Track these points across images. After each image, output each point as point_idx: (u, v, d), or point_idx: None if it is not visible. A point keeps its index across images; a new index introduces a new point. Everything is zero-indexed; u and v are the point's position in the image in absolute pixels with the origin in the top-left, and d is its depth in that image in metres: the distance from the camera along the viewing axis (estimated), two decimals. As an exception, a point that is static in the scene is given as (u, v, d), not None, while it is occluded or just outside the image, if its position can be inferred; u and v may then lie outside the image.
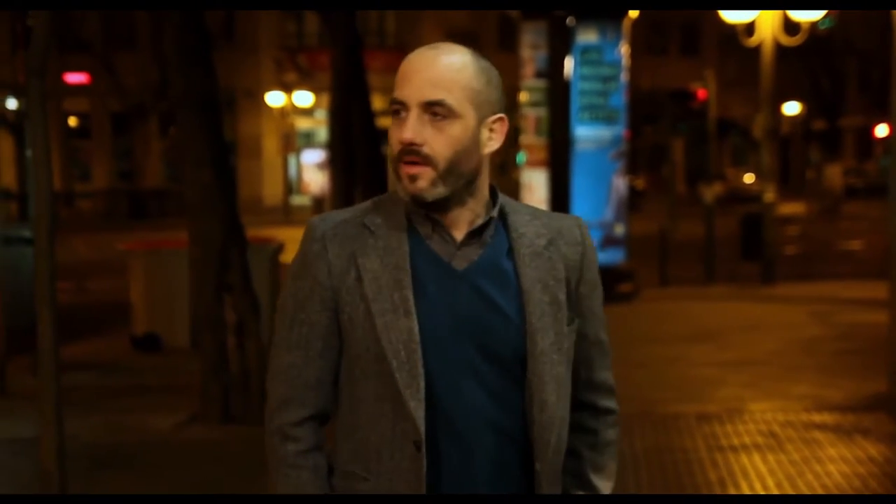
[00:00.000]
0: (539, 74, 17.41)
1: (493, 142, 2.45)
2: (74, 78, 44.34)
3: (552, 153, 16.98)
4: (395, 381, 2.37)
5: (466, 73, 2.39)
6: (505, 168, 42.24)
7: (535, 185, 17.74)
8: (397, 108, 2.40)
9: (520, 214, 2.50)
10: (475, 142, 2.41)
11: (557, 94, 16.70)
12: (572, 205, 16.67)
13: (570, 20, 16.44)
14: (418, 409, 2.36)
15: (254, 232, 10.63)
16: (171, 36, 9.27)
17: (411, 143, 2.36)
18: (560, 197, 16.78)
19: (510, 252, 2.45)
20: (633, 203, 27.76)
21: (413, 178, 2.38)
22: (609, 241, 16.89)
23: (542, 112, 17.45)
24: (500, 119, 2.45)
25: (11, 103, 24.51)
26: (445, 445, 2.40)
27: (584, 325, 2.53)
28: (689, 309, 15.46)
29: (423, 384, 2.37)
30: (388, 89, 2.49)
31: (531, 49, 17.58)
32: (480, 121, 2.42)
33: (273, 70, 45.99)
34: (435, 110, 2.37)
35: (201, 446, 8.51)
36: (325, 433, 2.54)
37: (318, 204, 42.23)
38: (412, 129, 2.37)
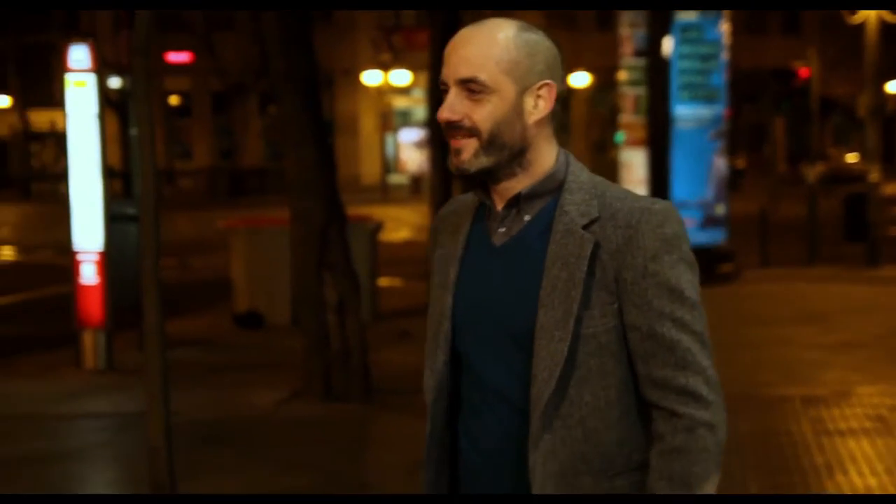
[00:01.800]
0: (638, 53, 17.24)
1: (539, 109, 2.44)
2: (175, 57, 44.85)
3: (651, 132, 16.82)
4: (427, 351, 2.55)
5: (500, 47, 2.41)
6: (603, 147, 42.01)
7: (634, 165, 17.59)
8: (443, 88, 2.45)
9: (577, 193, 2.44)
10: (517, 112, 2.42)
11: (657, 72, 16.53)
12: (671, 185, 16.51)
13: (670, -3, 16.24)
14: (430, 379, 2.53)
15: (352, 210, 10.67)
16: (272, 16, 9.32)
17: (448, 121, 2.43)
18: (659, 177, 16.63)
19: (548, 229, 2.44)
20: (733, 183, 27.42)
21: (458, 152, 2.43)
22: (709, 222, 16.69)
23: (641, 91, 17.29)
24: (547, 85, 2.44)
25: (115, 82, 24.84)
26: (468, 409, 2.52)
27: (634, 314, 2.39)
28: (791, 290, 15.24)
29: (442, 357, 2.51)
30: (486, 67, 2.55)
31: (630, 27, 17.41)
32: (522, 91, 2.42)
33: (370, 49, 46.11)
34: (470, 87, 2.41)
35: (303, 423, 8.57)
36: None
37: (416, 182, 42.33)
38: (448, 107, 2.43)
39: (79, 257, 10.63)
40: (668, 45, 16.33)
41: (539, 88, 2.43)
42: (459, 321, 2.51)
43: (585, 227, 2.40)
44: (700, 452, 2.39)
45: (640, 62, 17.02)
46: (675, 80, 16.55)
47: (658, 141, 16.60)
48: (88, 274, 10.60)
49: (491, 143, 2.41)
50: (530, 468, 2.40)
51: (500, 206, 2.49)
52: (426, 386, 2.56)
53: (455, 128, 2.43)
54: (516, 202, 2.46)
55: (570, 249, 2.39)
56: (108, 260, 10.62)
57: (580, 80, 44.70)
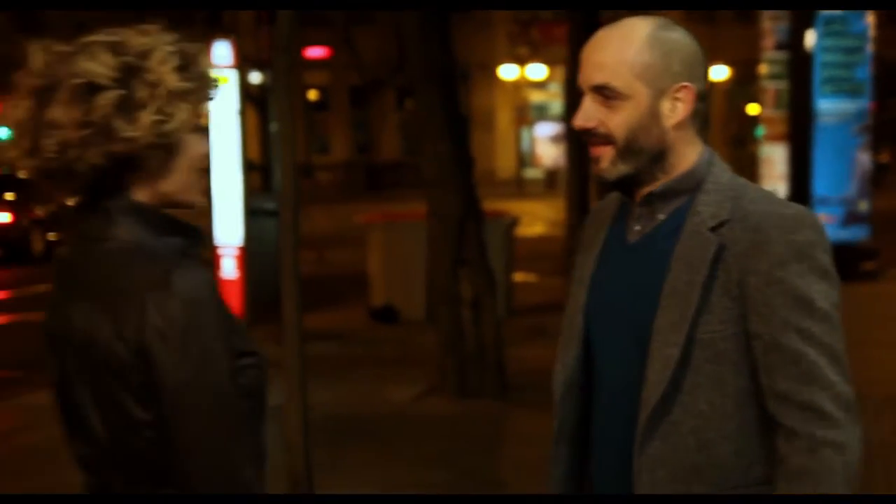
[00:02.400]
0: (780, 46, 16.94)
1: (677, 112, 2.38)
2: (314, 52, 45.36)
3: (793, 127, 16.52)
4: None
5: (634, 51, 2.35)
6: (742, 142, 41.39)
7: (774, 160, 17.29)
8: (581, 93, 2.42)
9: (712, 194, 2.37)
10: (653, 117, 2.37)
11: (799, 66, 16.23)
12: (813, 180, 16.21)
13: (813, -10, 15.93)
14: (559, 374, 2.53)
15: (488, 205, 10.66)
16: (411, 11, 9.34)
17: (583, 129, 2.39)
18: (800, 172, 16.33)
19: (679, 228, 2.38)
20: (877, 179, 26.83)
21: (597, 160, 2.41)
22: (852, 218, 16.34)
23: (782, 85, 16.99)
24: (684, 87, 2.37)
25: (255, 77, 25.21)
26: (597, 408, 2.50)
27: (757, 323, 2.29)
28: (937, 290, 14.84)
29: (573, 353, 2.51)
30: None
31: (772, 20, 17.11)
32: (658, 95, 2.37)
33: (507, 43, 46.07)
34: (604, 93, 2.37)
35: (438, 419, 8.58)
36: None
37: (551, 177, 42.19)
38: (582, 114, 2.40)
39: (219, 251, 10.79)
40: (810, 38, 16.02)
41: (676, 91, 2.37)
42: (592, 317, 2.49)
43: (713, 229, 2.33)
44: (826, 474, 2.26)
45: (782, 55, 16.72)
46: (818, 74, 16.22)
47: (799, 136, 16.30)
48: (229, 268, 10.77)
49: (627, 149, 2.37)
50: (635, 473, 2.35)
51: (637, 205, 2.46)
52: (555, 381, 2.55)
53: (591, 135, 2.39)
54: (650, 200, 2.43)
55: (695, 251, 2.33)
56: (248, 254, 10.76)
57: (719, 73, 44.13)
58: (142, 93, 2.15)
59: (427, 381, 9.49)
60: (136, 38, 2.20)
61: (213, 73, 2.27)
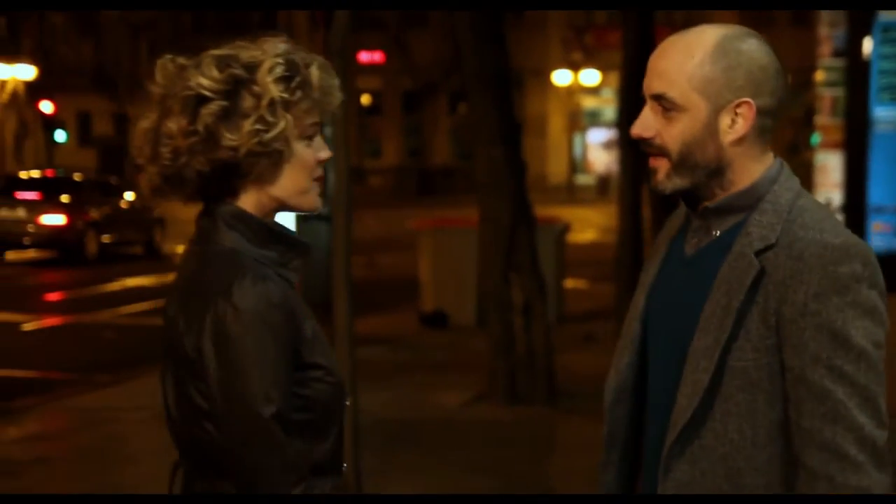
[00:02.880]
0: (836, 53, 16.78)
1: (736, 128, 2.29)
2: (367, 56, 45.49)
3: (848, 135, 16.31)
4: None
5: (695, 62, 2.28)
6: (797, 149, 41.11)
7: (829, 168, 17.13)
8: (637, 100, 2.42)
9: (767, 214, 2.28)
10: (710, 132, 2.29)
11: (856, 73, 16.06)
12: (868, 189, 16.05)
13: (871, -4, 15.79)
14: (612, 380, 2.48)
15: (539, 211, 10.64)
16: (466, 15, 9.34)
17: (640, 137, 2.34)
18: (856, 181, 16.13)
19: (729, 248, 2.31)
20: (934, 187, 26.54)
21: (654, 171, 2.35)
22: (908, 228, 16.17)
23: (838, 92, 16.83)
24: (746, 103, 2.28)
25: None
26: (648, 416, 2.45)
27: (790, 355, 2.21)
28: None
29: (627, 359, 2.46)
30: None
31: (829, 27, 16.95)
32: (717, 109, 2.28)
33: (560, 49, 46.02)
34: (662, 103, 2.31)
35: (487, 425, 8.57)
36: None
37: (603, 183, 42.09)
38: (640, 123, 2.34)
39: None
40: (868, 45, 15.89)
41: (737, 107, 2.29)
42: (647, 325, 2.45)
43: (759, 253, 2.25)
44: None
45: (839, 62, 16.58)
46: (875, 82, 16.06)
47: (856, 144, 16.09)
48: (280, 271, 10.79)
49: (682, 163, 2.31)
50: (659, 493, 2.31)
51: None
52: (607, 386, 2.50)
53: (648, 144, 2.34)
54: (706, 215, 2.36)
55: (736, 274, 2.26)
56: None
57: (774, 80, 43.80)
58: (247, 103, 2.27)
59: (477, 387, 9.47)
60: (248, 50, 2.32)
61: (331, 83, 2.35)
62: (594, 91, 46.89)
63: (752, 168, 2.33)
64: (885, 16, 15.95)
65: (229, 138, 2.26)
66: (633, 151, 15.80)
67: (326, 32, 6.56)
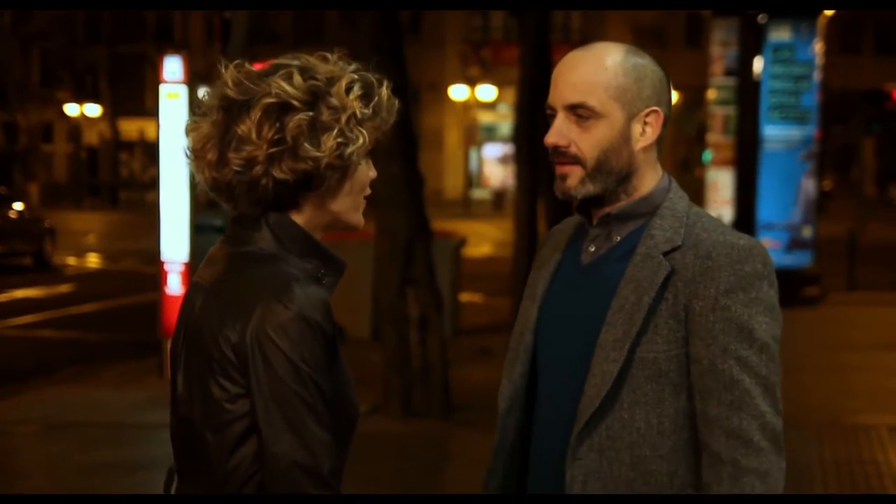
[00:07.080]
0: (728, 72, 17.13)
1: (646, 136, 2.43)
2: (263, 69, 45.32)
3: (739, 152, 16.69)
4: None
5: (609, 73, 2.40)
6: (688, 165, 41.70)
7: (720, 185, 17.45)
8: (550, 113, 2.44)
9: (668, 219, 2.41)
10: (624, 138, 2.41)
11: (747, 92, 16.40)
12: (758, 206, 16.36)
13: (761, 17, 16.12)
14: (505, 389, 2.53)
15: (435, 225, 10.67)
16: (364, 29, 9.33)
17: (555, 146, 2.41)
18: (745, 197, 16.48)
19: (633, 251, 2.41)
20: (821, 205, 27.14)
21: (563, 178, 2.43)
22: (795, 244, 16.51)
23: (730, 110, 17.17)
24: (654, 112, 2.42)
25: (202, 94, 25.15)
26: (538, 426, 2.50)
27: (698, 347, 2.33)
28: (879, 315, 14.99)
29: (520, 368, 2.52)
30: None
31: (721, 46, 17.30)
32: (630, 117, 2.41)
33: (457, 63, 46.22)
34: (579, 112, 2.40)
35: (382, 439, 8.56)
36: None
37: (499, 198, 42.32)
38: (555, 132, 2.42)
39: (165, 267, 10.72)
40: (758, 64, 16.20)
41: (647, 115, 2.42)
42: (540, 335, 2.51)
43: (666, 254, 2.37)
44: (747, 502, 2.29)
45: (731, 81, 16.90)
46: (766, 101, 16.39)
47: (746, 161, 16.45)
48: (174, 284, 10.69)
49: (598, 169, 2.41)
50: (567, 483, 2.37)
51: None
52: (500, 396, 2.56)
53: (560, 153, 2.42)
54: (607, 222, 2.45)
55: (645, 274, 2.37)
56: (194, 270, 10.70)
57: (667, 98, 44.42)
58: (326, 116, 2.26)
59: (372, 400, 9.45)
60: (322, 64, 2.31)
61: (395, 105, 2.38)
62: (490, 106, 47.16)
63: (652, 176, 2.46)
64: (776, 36, 16.30)
65: (313, 150, 2.25)
66: (529, 167, 15.93)
67: (222, 44, 6.54)
